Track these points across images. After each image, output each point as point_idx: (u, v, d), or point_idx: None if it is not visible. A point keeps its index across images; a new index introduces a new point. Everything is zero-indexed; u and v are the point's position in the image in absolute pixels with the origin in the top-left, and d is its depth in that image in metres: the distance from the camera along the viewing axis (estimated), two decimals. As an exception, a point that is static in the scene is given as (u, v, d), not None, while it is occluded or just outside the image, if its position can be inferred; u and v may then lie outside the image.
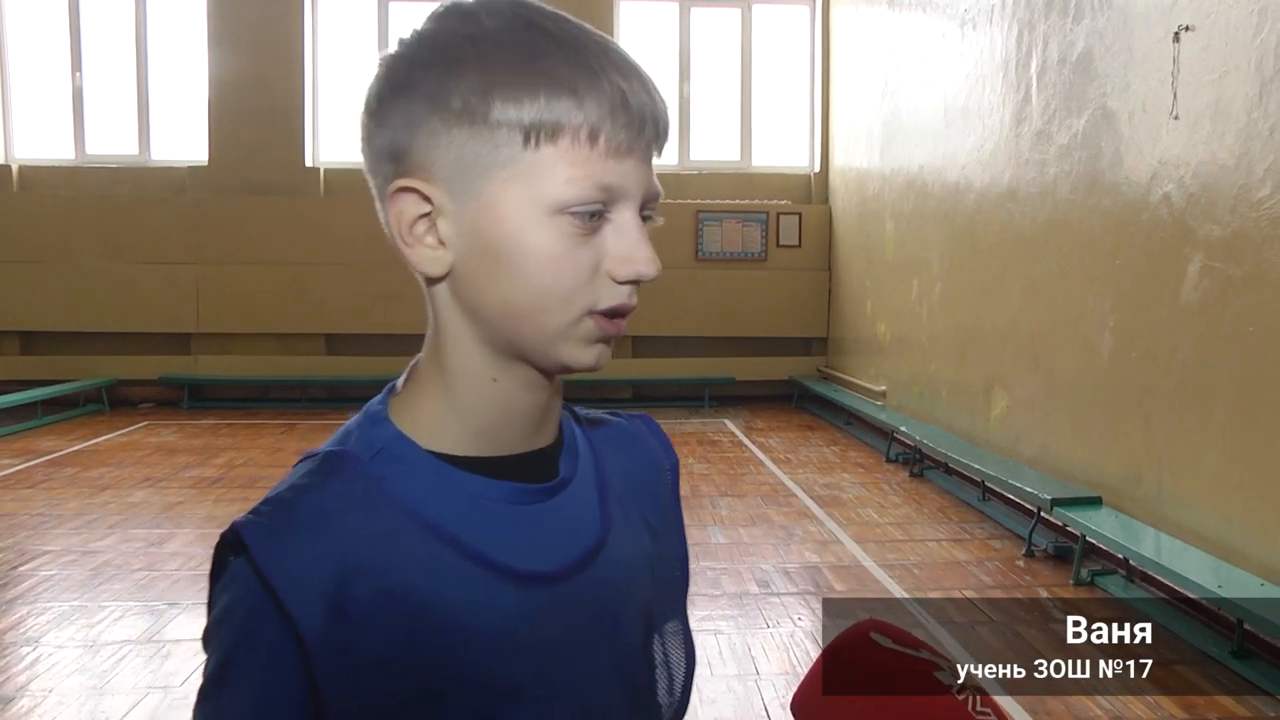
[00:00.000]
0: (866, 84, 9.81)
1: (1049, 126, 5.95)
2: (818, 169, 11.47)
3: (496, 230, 0.74)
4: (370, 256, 10.80)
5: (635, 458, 0.93)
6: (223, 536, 0.74)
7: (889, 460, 8.03)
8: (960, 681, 0.79)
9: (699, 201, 11.26)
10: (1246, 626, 3.95)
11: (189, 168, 10.99)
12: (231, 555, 0.73)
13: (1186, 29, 4.58)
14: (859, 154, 10.18)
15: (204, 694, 0.74)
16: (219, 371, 10.96)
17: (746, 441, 9.02)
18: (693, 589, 5.13)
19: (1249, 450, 4.19)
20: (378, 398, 0.83)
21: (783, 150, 11.68)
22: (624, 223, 0.76)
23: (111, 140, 11.12)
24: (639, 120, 0.74)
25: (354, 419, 0.82)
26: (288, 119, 10.96)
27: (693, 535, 5.74)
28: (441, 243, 0.76)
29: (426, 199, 0.75)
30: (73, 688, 3.73)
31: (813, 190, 11.50)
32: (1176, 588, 4.46)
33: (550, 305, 0.75)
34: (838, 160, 11.06)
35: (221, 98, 10.87)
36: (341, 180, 11.11)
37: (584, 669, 0.80)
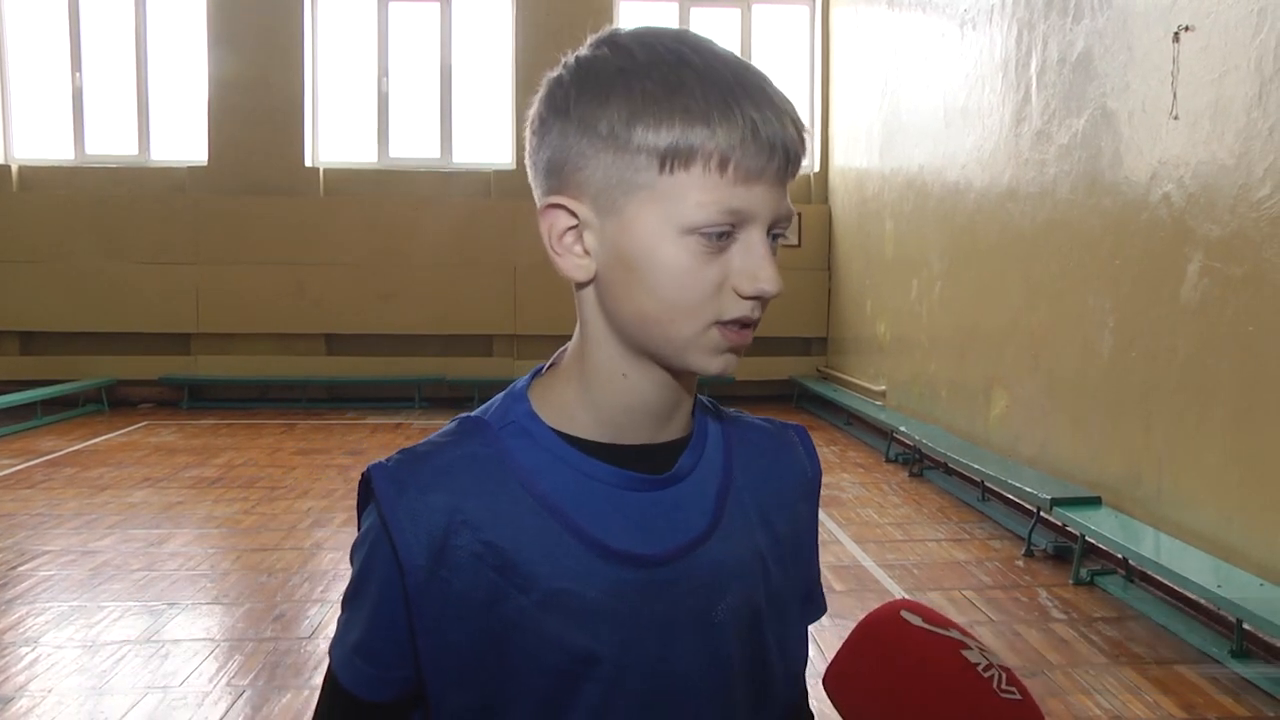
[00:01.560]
0: (866, 84, 9.82)
1: (1049, 126, 5.95)
2: (817, 169, 11.47)
3: (633, 246, 0.82)
4: (370, 256, 10.84)
5: (776, 462, 0.99)
6: (362, 475, 0.86)
7: (888, 460, 8.03)
8: (987, 660, 0.81)
9: (699, 201, 11.24)
10: (1246, 626, 3.95)
11: (189, 168, 10.98)
12: (368, 493, 0.85)
13: (1186, 29, 4.58)
14: (859, 154, 10.18)
15: (344, 601, 0.88)
16: (219, 372, 10.95)
17: (746, 441, 9.00)
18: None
19: (1248, 450, 4.19)
20: (524, 378, 0.93)
21: (782, 150, 11.66)
22: (751, 242, 0.82)
23: (111, 140, 11.10)
24: (769, 149, 0.80)
25: (501, 393, 0.92)
26: (287, 119, 10.95)
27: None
28: (587, 252, 0.85)
29: (573, 214, 0.84)
30: (72, 688, 3.73)
31: (812, 190, 11.50)
32: (1176, 587, 4.46)
33: (678, 316, 0.82)
34: (837, 160, 11.07)
35: (221, 98, 10.86)
36: (341, 180, 11.11)
37: (665, 650, 0.86)
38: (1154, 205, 4.84)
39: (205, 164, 10.94)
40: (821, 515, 5.01)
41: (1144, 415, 4.95)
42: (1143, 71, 4.96)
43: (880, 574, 5.14)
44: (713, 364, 0.84)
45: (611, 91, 0.81)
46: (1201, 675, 3.89)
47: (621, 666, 0.84)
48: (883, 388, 9.11)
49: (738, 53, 0.86)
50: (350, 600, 0.87)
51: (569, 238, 0.85)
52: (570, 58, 0.85)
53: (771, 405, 11.05)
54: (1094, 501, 5.16)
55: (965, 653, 0.82)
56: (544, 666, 0.83)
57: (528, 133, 0.87)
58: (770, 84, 0.83)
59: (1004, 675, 0.81)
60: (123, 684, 3.76)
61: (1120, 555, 4.83)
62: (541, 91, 0.86)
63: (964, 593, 4.85)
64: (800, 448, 1.02)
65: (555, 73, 0.85)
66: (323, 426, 9.72)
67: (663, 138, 0.79)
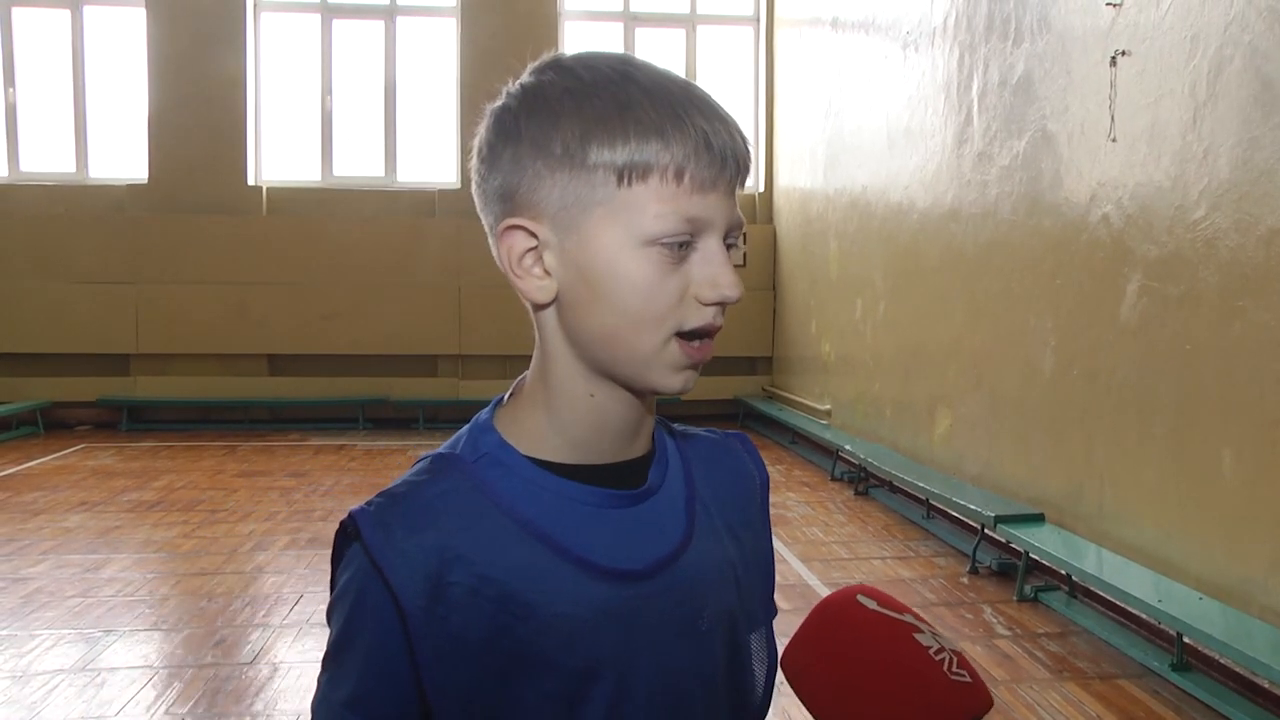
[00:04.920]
0: (810, 104, 9.90)
1: (990, 148, 6.03)
2: (762, 189, 11.54)
3: (594, 261, 0.83)
4: (313, 276, 10.73)
5: (727, 471, 1.02)
6: (341, 524, 0.85)
7: (834, 479, 8.06)
8: (939, 644, 0.84)
9: (645, 221, 11.26)
10: (1186, 640, 4.00)
11: (128, 186, 10.80)
12: (349, 540, 0.85)
13: (1123, 54, 4.67)
14: (803, 174, 10.25)
15: (325, 661, 0.86)
16: (159, 393, 10.76)
17: (693, 461, 9.00)
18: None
19: (1186, 466, 4.26)
20: (486, 409, 0.93)
21: (728, 170, 11.72)
22: (709, 250, 0.85)
23: (47, 158, 10.90)
24: (720, 158, 0.83)
25: (465, 427, 0.92)
26: (230, 137, 10.83)
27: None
28: (547, 273, 0.86)
29: (533, 235, 0.85)
30: None
31: (757, 210, 11.57)
32: (1118, 602, 4.52)
33: (642, 329, 0.84)
34: (782, 180, 11.14)
35: (162, 115, 10.71)
36: (284, 199, 11.00)
37: (661, 661, 0.87)
38: (1093, 226, 4.92)
39: (145, 182, 10.78)
40: (769, 534, 4.89)
41: (1085, 433, 5.01)
42: (1081, 94, 5.05)
43: (826, 592, 5.11)
44: (674, 381, 0.86)
45: (561, 112, 0.82)
46: (1143, 689, 3.93)
47: (622, 683, 0.85)
48: (828, 407, 9.16)
49: (682, 73, 0.88)
50: (335, 656, 0.85)
51: (528, 259, 0.85)
52: (514, 85, 0.87)
53: (717, 424, 10.98)
54: (1037, 519, 5.21)
55: (918, 636, 0.84)
56: (548, 691, 0.84)
57: (474, 162, 0.88)
58: (713, 97, 0.86)
59: (955, 659, 0.83)
60: (54, 715, 3.66)
61: (1063, 571, 4.88)
62: (487, 120, 0.87)
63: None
64: (744, 453, 1.05)
65: (500, 102, 0.87)
66: (265, 448, 9.59)
67: (618, 152, 0.81)
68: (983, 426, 6.16)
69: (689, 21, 11.59)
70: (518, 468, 0.87)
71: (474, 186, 0.89)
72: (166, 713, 3.68)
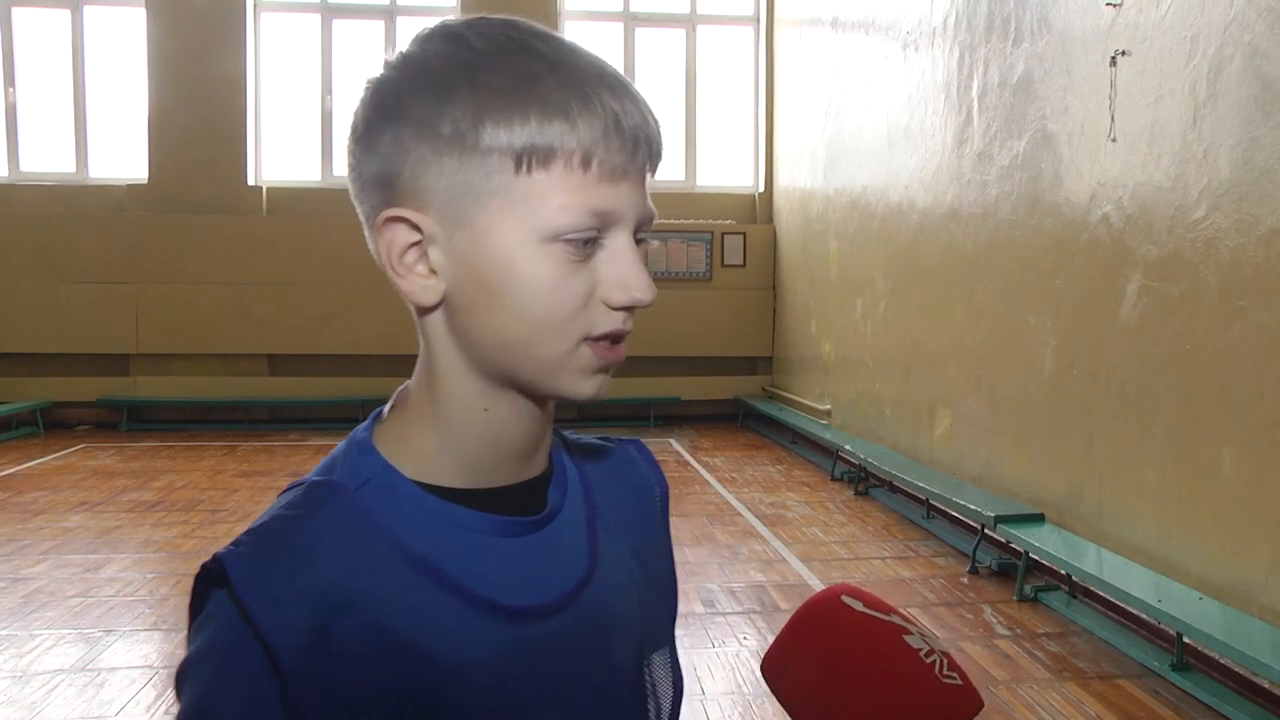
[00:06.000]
0: (810, 104, 9.90)
1: (990, 148, 6.03)
2: (762, 189, 11.54)
3: (489, 259, 0.73)
4: (313, 276, 10.73)
5: (626, 484, 0.93)
6: (203, 567, 0.72)
7: (834, 479, 8.06)
8: (928, 645, 0.81)
9: (645, 221, 11.26)
10: (1185, 640, 4.00)
11: (128, 186, 10.80)
12: (213, 587, 0.72)
13: (1123, 54, 4.67)
14: (803, 174, 10.25)
15: None
16: (159, 393, 10.77)
17: (692, 461, 9.02)
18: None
19: (1187, 466, 4.26)
20: (363, 425, 0.81)
21: (727, 170, 11.74)
22: (618, 248, 0.74)
23: (47, 158, 10.91)
24: (632, 142, 0.73)
25: (339, 446, 0.80)
26: (230, 137, 10.83)
27: (640, 555, 5.74)
28: (433, 272, 0.75)
29: (417, 228, 0.74)
30: None
31: (757, 210, 11.57)
32: (1118, 602, 4.52)
33: (545, 335, 0.74)
34: (782, 180, 11.14)
35: (162, 115, 10.71)
36: (284, 199, 11.00)
37: (570, 699, 0.79)
38: (1093, 226, 4.92)
39: (145, 182, 10.78)
40: (768, 534, 4.98)
41: (1085, 433, 5.01)
42: (1081, 94, 5.05)
43: (827, 592, 5.14)
44: (585, 386, 0.77)
45: (452, 87, 0.72)
46: (1143, 689, 3.93)
47: None
48: (828, 407, 9.15)
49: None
50: None
51: (411, 256, 0.75)
52: (394, 55, 0.76)
53: (717, 424, 11.07)
54: (1037, 519, 5.21)
55: (907, 638, 0.81)
56: None
57: (349, 142, 0.77)
58: (623, 74, 0.76)
59: (945, 660, 0.80)
60: (55, 715, 3.66)
61: (1063, 571, 4.88)
62: (364, 94, 0.76)
63: (909, 610, 4.86)
64: (641, 462, 0.96)
65: (379, 73, 0.76)
66: (265, 448, 9.59)
67: (516, 134, 0.71)
68: (983, 426, 6.16)
69: (689, 21, 11.59)
70: (405, 495, 0.76)
71: (349, 170, 0.78)
72: (166, 713, 3.68)
